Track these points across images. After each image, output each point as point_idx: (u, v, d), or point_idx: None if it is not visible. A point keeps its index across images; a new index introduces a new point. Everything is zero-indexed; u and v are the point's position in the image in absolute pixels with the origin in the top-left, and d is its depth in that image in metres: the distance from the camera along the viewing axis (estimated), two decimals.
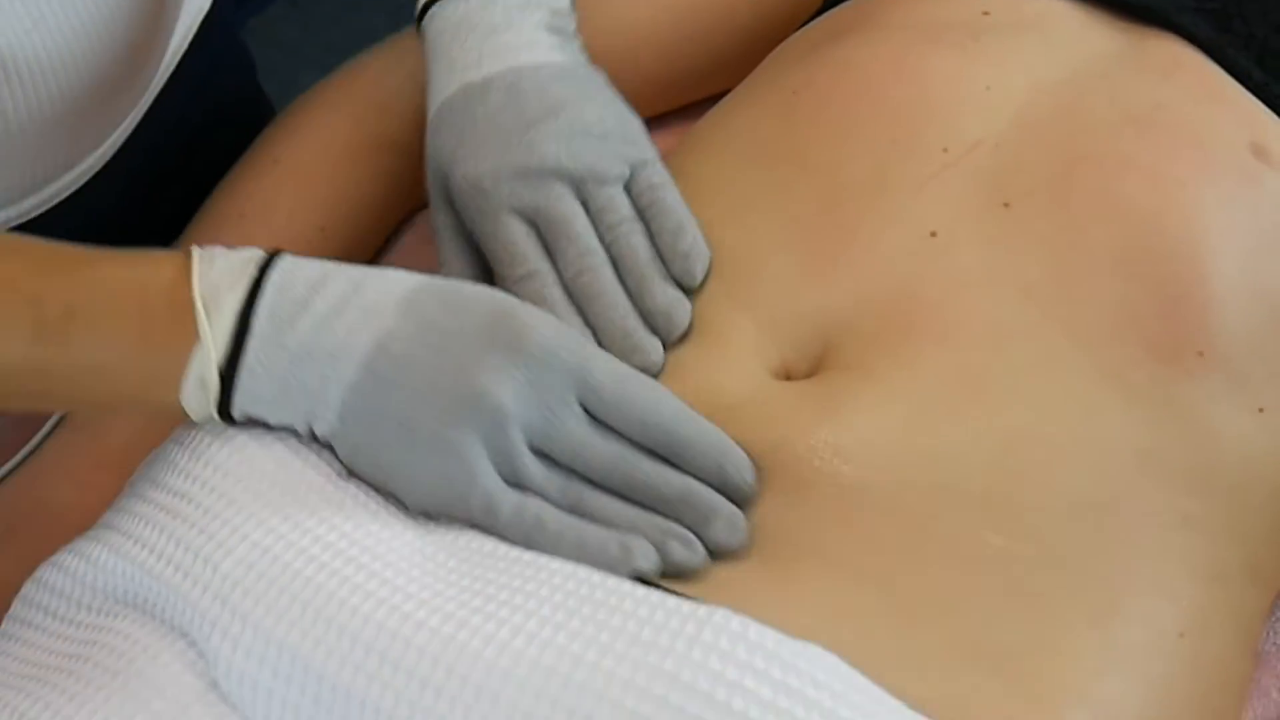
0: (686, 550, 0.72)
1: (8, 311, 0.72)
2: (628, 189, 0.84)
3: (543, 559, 0.70)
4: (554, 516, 0.72)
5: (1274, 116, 0.83)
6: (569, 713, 0.63)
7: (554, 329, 0.74)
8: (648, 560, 0.71)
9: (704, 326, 0.81)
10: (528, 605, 0.67)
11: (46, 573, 0.76)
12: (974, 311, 0.77)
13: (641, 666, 0.64)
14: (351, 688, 0.66)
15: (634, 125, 0.86)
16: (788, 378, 0.80)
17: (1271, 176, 0.81)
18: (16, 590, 0.82)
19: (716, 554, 0.73)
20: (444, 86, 0.86)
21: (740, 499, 0.74)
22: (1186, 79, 0.84)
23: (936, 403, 0.76)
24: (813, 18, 0.96)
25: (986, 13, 0.88)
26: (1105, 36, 0.87)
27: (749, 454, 0.75)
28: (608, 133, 0.84)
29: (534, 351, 0.73)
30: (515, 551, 0.70)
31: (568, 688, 0.64)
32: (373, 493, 0.73)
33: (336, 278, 0.74)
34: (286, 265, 0.74)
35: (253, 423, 0.75)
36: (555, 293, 0.81)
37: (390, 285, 0.75)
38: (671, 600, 0.66)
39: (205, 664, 0.70)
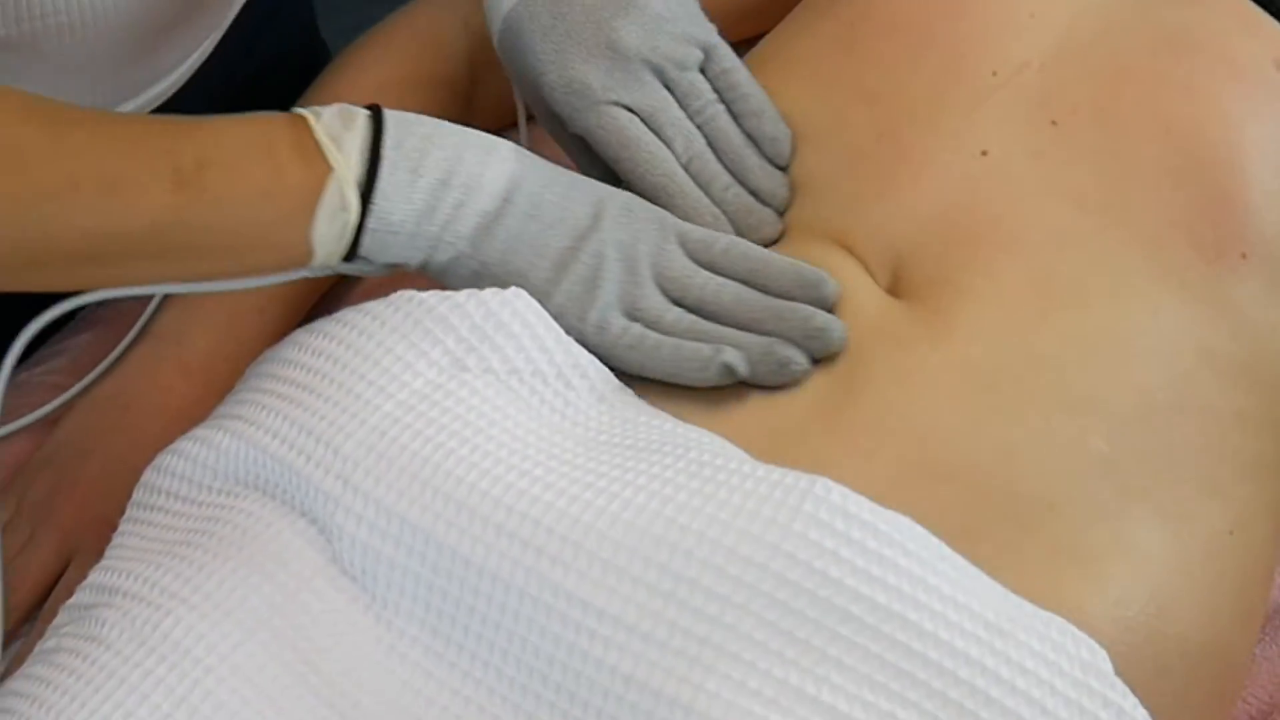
0: (788, 349, 0.79)
1: (145, 167, 0.77)
2: (703, 71, 0.89)
3: (659, 443, 0.75)
4: (655, 334, 0.79)
5: None
6: (675, 578, 0.69)
7: (644, 203, 0.83)
8: (737, 359, 0.78)
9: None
10: (638, 481, 0.72)
11: (166, 459, 0.80)
12: (1032, 221, 0.83)
13: (745, 536, 0.69)
14: (471, 556, 0.71)
15: (692, 5, 0.91)
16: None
17: None
18: (114, 486, 0.87)
19: (820, 349, 0.80)
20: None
21: (830, 306, 0.81)
22: (1216, 3, 0.90)
23: (1024, 306, 0.81)
24: None
25: None
26: None
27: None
28: (676, 17, 0.89)
29: (635, 204, 0.82)
30: (634, 439, 0.75)
31: (675, 555, 0.69)
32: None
33: (446, 125, 0.81)
34: (394, 114, 0.81)
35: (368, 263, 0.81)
36: (680, 175, 0.87)
37: (495, 139, 0.82)
38: (776, 473, 0.71)
39: (325, 541, 0.74)
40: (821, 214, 0.87)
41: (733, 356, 0.78)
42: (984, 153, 0.85)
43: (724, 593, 0.68)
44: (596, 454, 0.74)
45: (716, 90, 0.89)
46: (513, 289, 0.79)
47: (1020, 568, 0.74)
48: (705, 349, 0.79)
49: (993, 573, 0.72)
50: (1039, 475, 0.77)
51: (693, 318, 0.81)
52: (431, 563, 0.72)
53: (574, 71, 0.87)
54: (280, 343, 0.82)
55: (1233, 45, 0.88)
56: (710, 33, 0.90)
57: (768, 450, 0.75)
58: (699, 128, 0.88)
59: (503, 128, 0.98)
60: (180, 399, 0.94)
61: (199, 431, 0.80)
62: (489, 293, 0.79)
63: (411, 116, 0.81)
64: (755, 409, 0.79)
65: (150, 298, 0.98)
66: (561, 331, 0.79)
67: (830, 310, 0.81)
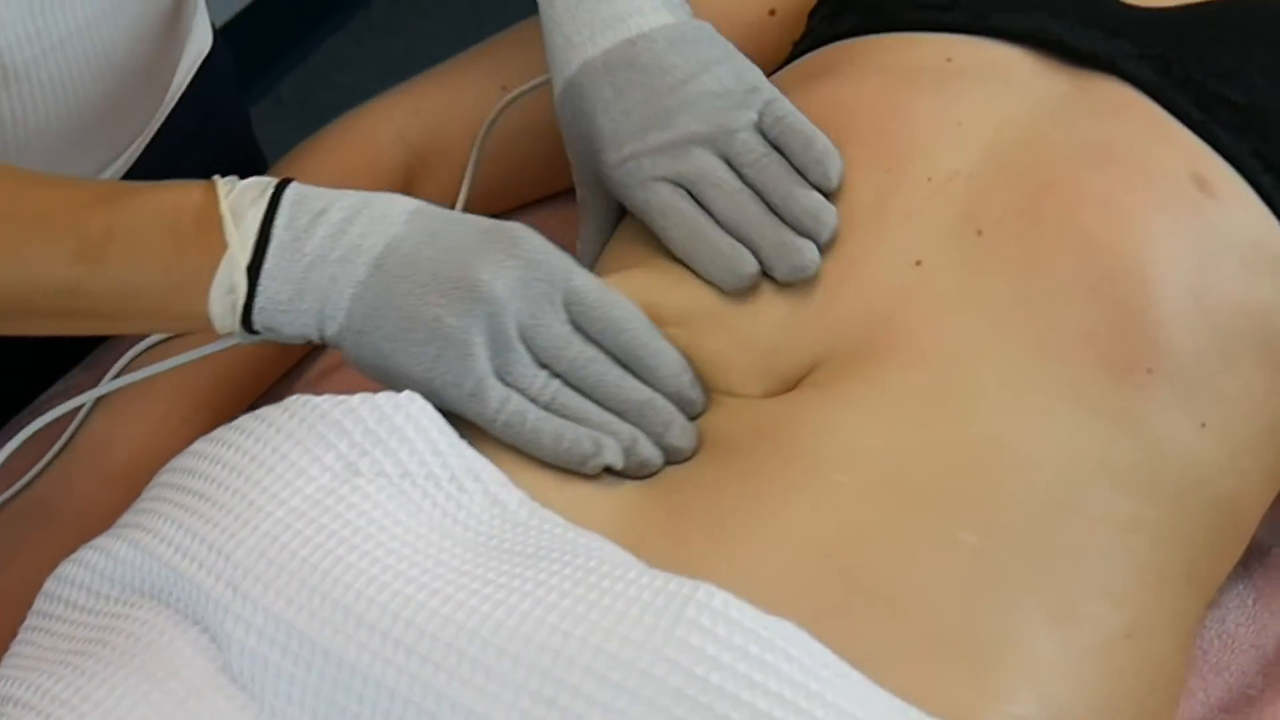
0: (651, 449, 0.81)
1: (52, 236, 0.82)
2: (758, 129, 0.89)
3: (547, 549, 0.75)
4: (535, 412, 0.80)
5: (1212, 151, 0.89)
6: (558, 684, 0.68)
7: (544, 241, 0.83)
8: (616, 457, 0.80)
9: (699, 355, 0.86)
10: (524, 588, 0.72)
11: (67, 569, 0.81)
12: (947, 333, 0.83)
13: (628, 642, 0.69)
14: (356, 663, 0.71)
15: (750, 75, 0.91)
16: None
17: (1211, 206, 0.87)
18: (32, 596, 0.87)
19: (672, 457, 0.81)
20: (564, 63, 0.92)
21: (692, 414, 0.83)
22: (1133, 116, 0.90)
23: (905, 414, 0.81)
24: (781, 66, 1.02)
25: (949, 59, 0.94)
26: (1057, 81, 0.93)
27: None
28: (728, 90, 0.90)
29: (525, 253, 0.82)
30: (523, 544, 0.76)
31: (558, 661, 0.69)
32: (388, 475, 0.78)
33: (346, 195, 0.83)
34: (299, 187, 0.83)
35: (270, 332, 0.83)
36: (713, 232, 0.87)
37: (396, 202, 0.83)
38: (660, 579, 0.71)
39: (217, 649, 0.75)
40: (747, 317, 0.87)
41: (612, 456, 0.80)
42: (918, 262, 0.86)
43: (605, 699, 0.68)
44: (486, 560, 0.74)
45: (770, 140, 0.89)
46: (406, 393, 0.80)
47: (903, 666, 0.74)
48: (586, 444, 0.80)
49: (874, 672, 0.72)
50: (905, 562, 0.77)
51: (558, 385, 0.82)
52: (319, 670, 0.72)
53: (627, 150, 0.89)
54: (183, 451, 0.83)
55: (1151, 159, 0.88)
56: (765, 93, 0.91)
57: (651, 551, 0.75)
58: (752, 182, 0.88)
59: None
60: (100, 509, 0.94)
61: (100, 541, 0.81)
62: (383, 396, 0.79)
63: (313, 192, 0.83)
64: (637, 507, 0.79)
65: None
66: (455, 435, 0.79)
67: (696, 402, 0.83)
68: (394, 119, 1.10)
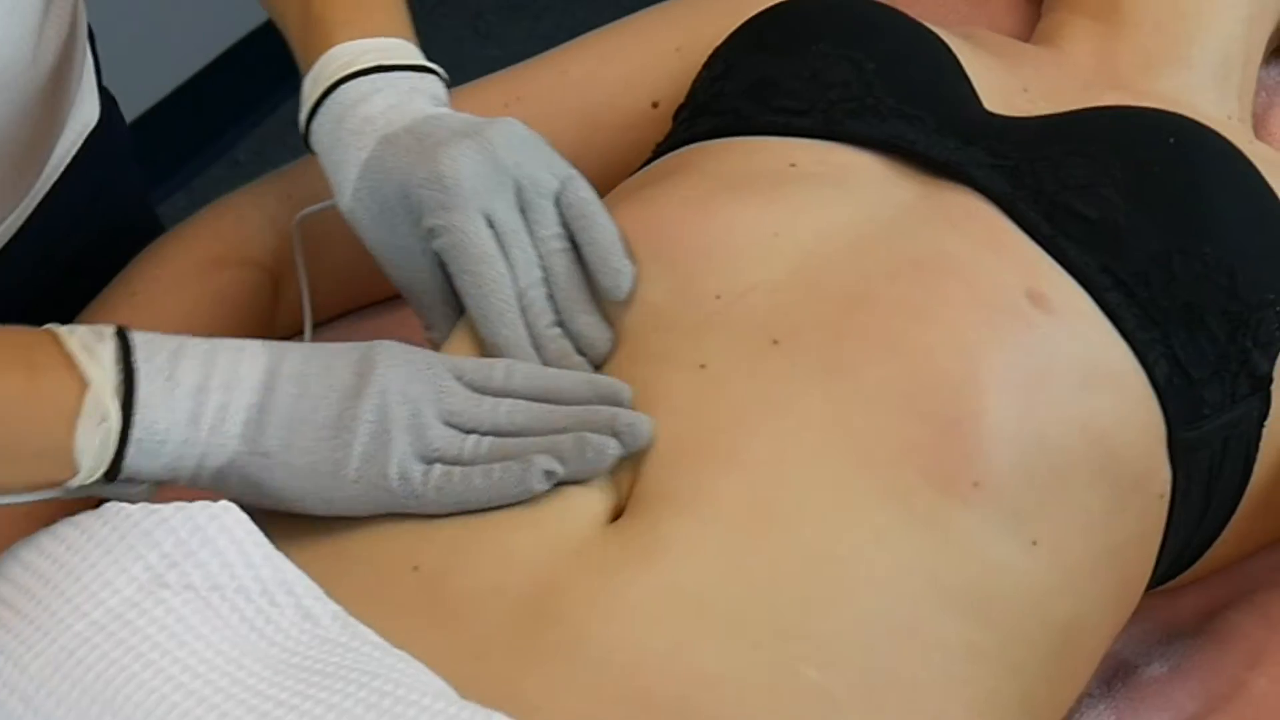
0: (601, 438, 0.80)
1: None
2: (557, 201, 0.88)
3: (349, 668, 0.73)
4: (460, 469, 0.79)
5: (1057, 267, 0.88)
6: None
7: (406, 348, 0.83)
8: (550, 463, 0.79)
9: None
10: (314, 711, 0.70)
11: None
12: (752, 439, 0.81)
13: None
14: None
15: (547, 145, 0.91)
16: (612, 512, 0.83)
17: (1045, 321, 0.85)
18: None
19: (629, 442, 0.81)
20: (359, 148, 0.90)
21: (624, 403, 0.83)
22: (974, 228, 0.89)
23: (740, 527, 0.79)
24: (647, 163, 1.01)
25: (793, 164, 0.93)
26: (905, 188, 0.92)
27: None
28: (539, 144, 0.89)
29: (401, 356, 0.82)
30: (325, 662, 0.73)
31: None
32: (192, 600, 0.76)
33: (190, 339, 0.81)
34: (139, 333, 0.80)
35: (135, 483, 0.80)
36: (513, 303, 0.86)
37: (242, 360, 0.81)
38: (454, 708, 0.70)
39: None
40: None
41: (546, 462, 0.79)
42: (702, 366, 0.84)
43: None
44: (283, 678, 0.72)
45: (568, 218, 0.88)
46: (222, 502, 0.78)
47: None
48: (516, 466, 0.78)
49: None
50: (746, 707, 0.74)
51: (492, 440, 0.80)
52: None
53: (444, 167, 0.86)
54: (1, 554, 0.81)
55: (984, 272, 0.87)
56: (568, 166, 0.90)
57: (463, 676, 0.73)
58: (541, 258, 0.87)
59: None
60: None
61: None
62: (196, 506, 0.77)
63: (156, 336, 0.81)
64: (452, 630, 0.77)
65: None
66: (270, 547, 0.77)
67: (625, 395, 0.83)
68: (265, 205, 1.08)
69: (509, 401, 0.82)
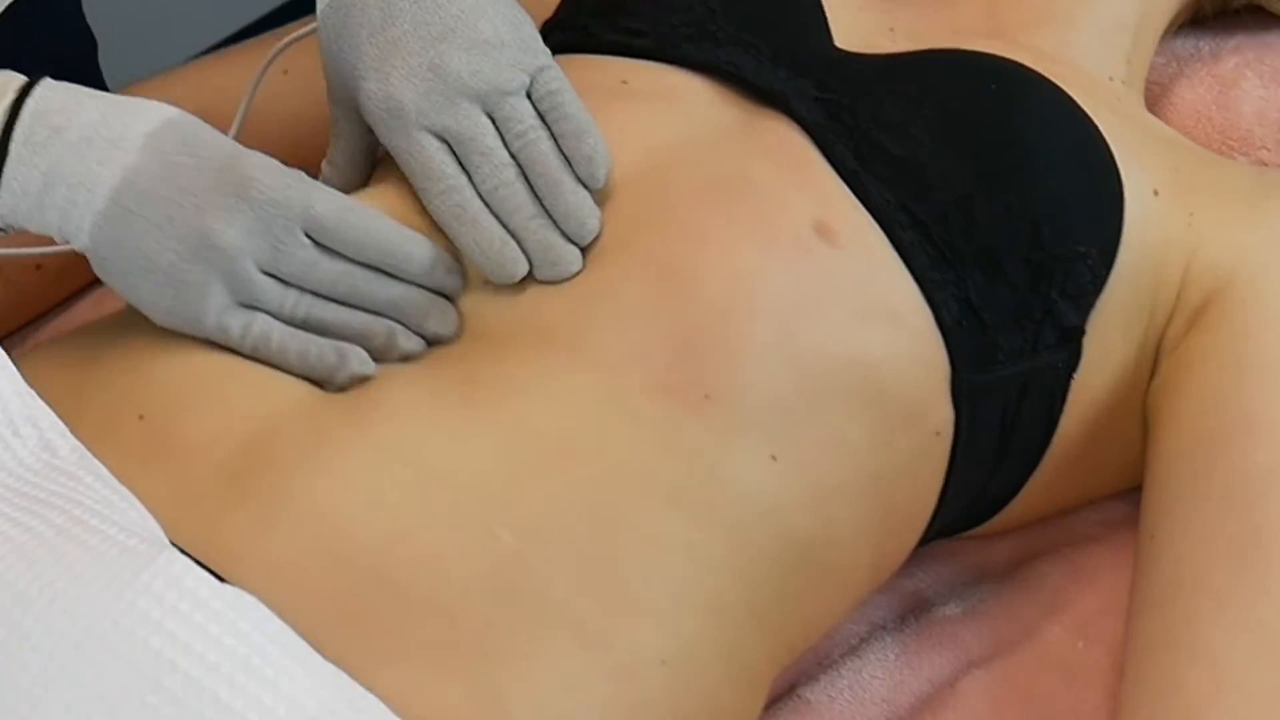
0: (411, 340, 0.85)
1: None
2: (529, 94, 0.90)
3: (59, 496, 0.77)
4: (280, 331, 0.84)
5: (855, 202, 0.89)
6: (7, 627, 0.71)
7: (281, 173, 0.85)
8: (362, 365, 0.84)
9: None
10: (10, 532, 0.74)
11: None
12: (502, 325, 0.86)
13: (78, 601, 0.71)
14: None
15: (526, 29, 0.92)
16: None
17: (827, 253, 0.87)
18: None
19: (436, 343, 0.86)
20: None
21: (452, 296, 0.88)
22: (782, 157, 0.90)
23: (460, 402, 0.83)
24: None
25: (625, 81, 0.95)
26: (728, 114, 0.94)
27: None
28: (504, 42, 0.90)
29: (258, 195, 0.84)
30: (43, 490, 0.78)
31: (14, 605, 0.71)
32: None
33: (89, 107, 0.85)
34: (43, 92, 0.85)
35: None
36: (475, 205, 0.88)
37: (137, 120, 0.85)
38: (134, 540, 0.74)
39: None
40: None
41: (359, 365, 0.84)
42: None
43: (49, 648, 0.70)
44: (3, 503, 0.77)
45: (540, 111, 0.90)
46: None
47: (405, 670, 0.75)
48: (330, 356, 0.84)
49: (370, 674, 0.73)
50: (438, 564, 0.78)
51: (310, 301, 0.85)
52: None
53: (393, 88, 0.89)
54: None
55: (778, 200, 0.89)
56: (539, 56, 0.91)
57: (175, 518, 0.77)
58: (517, 153, 0.89)
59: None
60: None
61: None
62: None
63: (56, 103, 0.84)
64: (170, 474, 0.81)
65: None
66: (23, 384, 0.81)
67: (455, 289, 0.88)
68: (173, 90, 1.13)
69: (338, 269, 0.86)
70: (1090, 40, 1.06)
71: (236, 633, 0.71)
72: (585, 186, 0.89)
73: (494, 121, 0.89)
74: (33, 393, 0.82)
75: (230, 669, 0.70)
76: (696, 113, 0.94)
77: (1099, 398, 0.95)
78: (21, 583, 0.72)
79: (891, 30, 1.02)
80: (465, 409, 0.83)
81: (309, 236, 0.85)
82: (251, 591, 0.73)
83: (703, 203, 0.88)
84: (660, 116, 0.93)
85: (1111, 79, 1.06)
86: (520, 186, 0.88)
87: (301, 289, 0.86)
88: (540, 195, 0.89)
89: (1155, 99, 1.15)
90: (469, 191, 0.88)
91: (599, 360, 0.84)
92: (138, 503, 0.78)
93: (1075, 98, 0.96)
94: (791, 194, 0.89)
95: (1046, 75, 0.97)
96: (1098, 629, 0.96)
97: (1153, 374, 0.96)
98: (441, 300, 0.87)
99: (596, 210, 0.89)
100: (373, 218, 0.87)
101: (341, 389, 0.85)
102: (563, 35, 1.01)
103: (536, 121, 0.90)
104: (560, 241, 0.88)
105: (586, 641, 0.79)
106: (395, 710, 0.72)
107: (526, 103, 0.90)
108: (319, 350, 0.84)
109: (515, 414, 0.82)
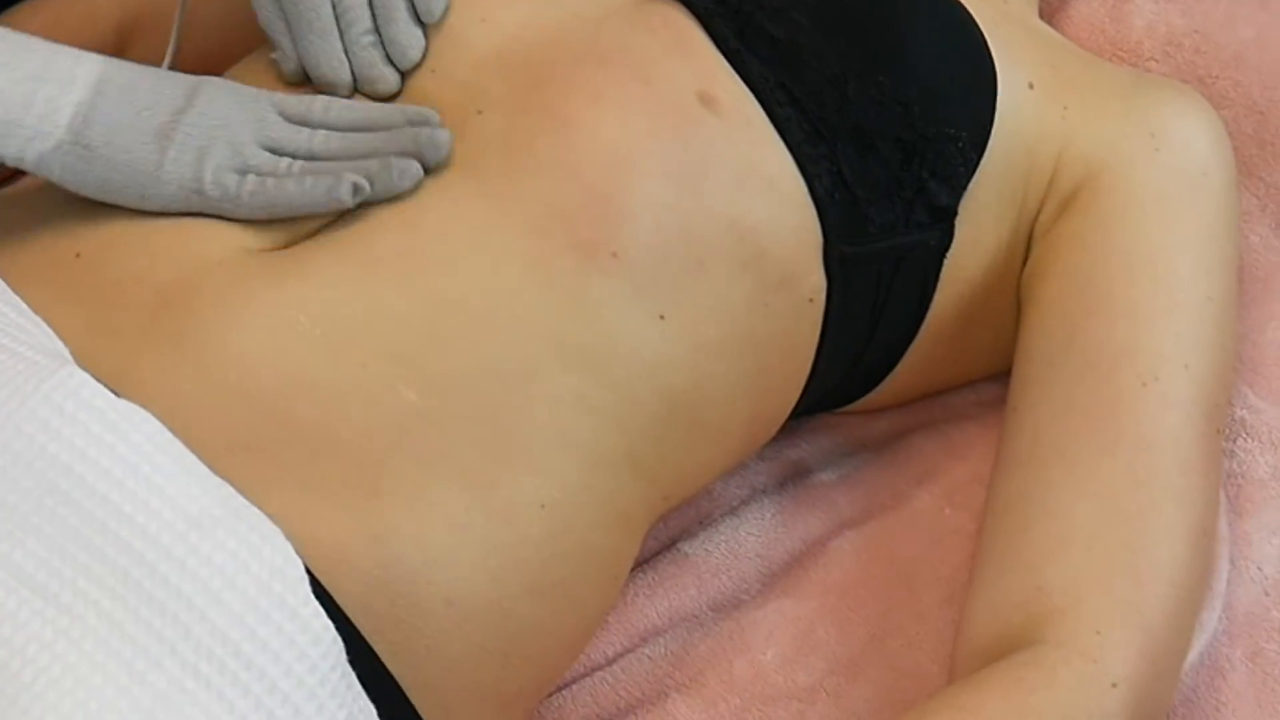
0: (402, 163, 0.88)
1: None
2: None
3: None
4: (275, 179, 0.88)
5: (735, 77, 0.94)
6: None
7: (232, 89, 0.90)
8: (359, 179, 0.87)
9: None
10: None
11: None
12: (435, 198, 0.89)
13: None
14: None
15: None
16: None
17: (711, 122, 0.92)
18: None
19: (432, 164, 0.89)
20: None
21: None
22: (666, 34, 0.95)
23: (384, 266, 0.87)
24: None
25: None
26: None
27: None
28: None
29: (229, 89, 0.90)
30: None
31: None
32: None
33: (36, 38, 0.88)
34: None
35: None
36: (324, 10, 0.93)
37: (79, 51, 0.88)
38: (40, 358, 0.79)
39: None
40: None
41: (355, 176, 0.87)
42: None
43: None
44: None
45: None
46: None
47: (294, 497, 0.80)
48: (327, 178, 0.87)
49: (259, 496, 0.78)
50: (339, 410, 0.83)
51: (304, 163, 0.89)
52: None
53: None
54: None
55: (658, 69, 0.93)
56: None
57: (90, 350, 0.82)
58: None
59: None
60: None
61: None
62: None
63: (5, 31, 0.88)
64: (94, 310, 0.85)
65: None
66: None
67: (434, 117, 0.91)
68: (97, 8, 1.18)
69: (324, 132, 0.90)
70: None
71: (129, 442, 0.76)
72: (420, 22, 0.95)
73: None
74: None
75: (121, 474, 0.75)
76: None
77: (972, 277, 1.00)
78: None
79: None
80: (393, 281, 0.87)
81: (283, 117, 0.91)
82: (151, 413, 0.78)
83: (584, 67, 0.93)
84: None
85: None
86: (364, 5, 0.94)
87: (294, 156, 0.90)
88: (377, 19, 0.94)
89: (1053, 12, 1.20)
90: (326, 6, 0.94)
91: (526, 216, 0.89)
92: (50, 330, 0.83)
93: None
94: (675, 65, 0.94)
95: None
96: (964, 496, 1.02)
97: (1025, 259, 1.02)
98: (425, 130, 0.90)
99: (420, 43, 0.94)
100: (335, 104, 0.92)
101: (346, 211, 0.88)
102: None
103: None
104: (382, 62, 0.94)
105: (472, 485, 0.84)
106: (278, 526, 0.77)
107: None
108: (314, 179, 0.88)
109: (438, 287, 0.87)
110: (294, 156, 0.90)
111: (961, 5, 1.00)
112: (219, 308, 0.85)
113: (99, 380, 0.79)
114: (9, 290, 0.85)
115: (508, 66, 0.94)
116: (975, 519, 0.99)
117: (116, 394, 0.78)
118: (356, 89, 0.94)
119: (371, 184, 0.87)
